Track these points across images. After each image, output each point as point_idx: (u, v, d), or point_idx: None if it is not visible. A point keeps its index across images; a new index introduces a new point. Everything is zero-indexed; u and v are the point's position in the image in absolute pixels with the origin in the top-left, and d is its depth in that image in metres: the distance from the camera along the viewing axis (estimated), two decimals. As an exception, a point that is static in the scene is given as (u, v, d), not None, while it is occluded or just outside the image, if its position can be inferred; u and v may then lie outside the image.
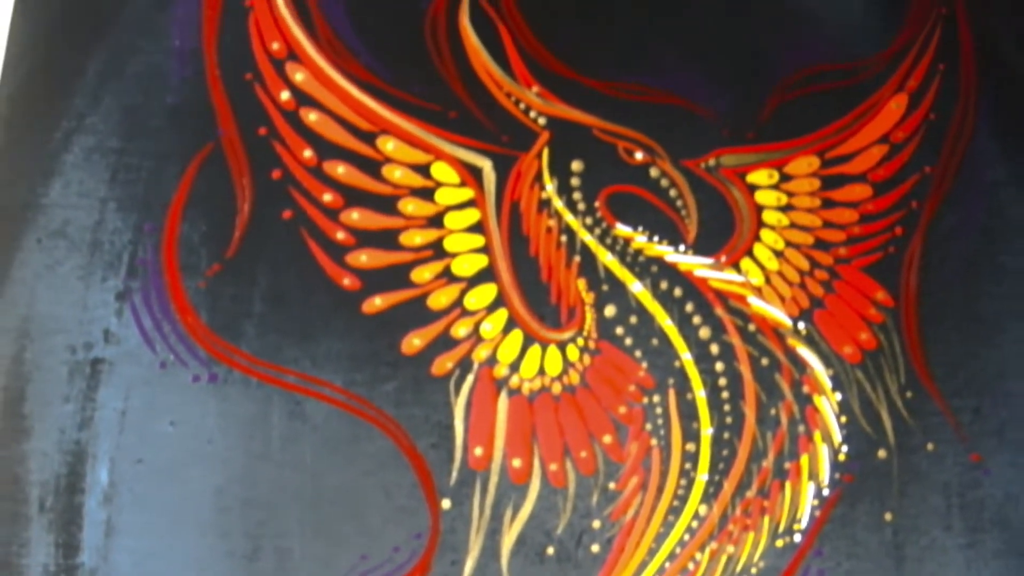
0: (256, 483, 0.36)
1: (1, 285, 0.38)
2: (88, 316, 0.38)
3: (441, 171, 0.41)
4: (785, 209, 0.42)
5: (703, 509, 0.38)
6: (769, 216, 0.42)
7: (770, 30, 0.45)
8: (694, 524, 0.38)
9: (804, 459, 0.39)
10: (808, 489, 0.39)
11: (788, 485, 0.38)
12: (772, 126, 0.44)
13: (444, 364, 0.38)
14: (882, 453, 0.39)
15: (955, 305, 0.42)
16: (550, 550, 0.37)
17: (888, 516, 0.39)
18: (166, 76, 0.41)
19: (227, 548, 0.36)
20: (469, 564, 0.36)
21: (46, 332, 0.37)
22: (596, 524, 0.37)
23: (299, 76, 0.42)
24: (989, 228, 0.44)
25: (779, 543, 0.38)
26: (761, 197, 0.42)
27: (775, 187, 0.43)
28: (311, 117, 0.41)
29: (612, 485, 0.38)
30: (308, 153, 0.41)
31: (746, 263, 0.41)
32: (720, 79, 0.44)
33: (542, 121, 0.42)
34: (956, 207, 0.44)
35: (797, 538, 0.38)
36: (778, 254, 0.42)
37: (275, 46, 0.42)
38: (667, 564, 0.37)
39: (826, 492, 0.39)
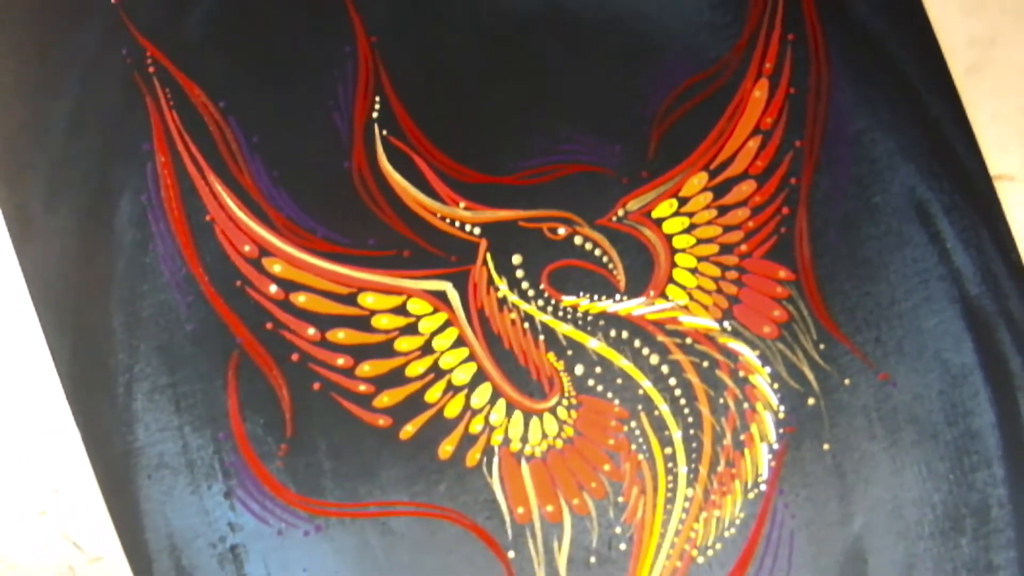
0: (377, 586, 0.48)
1: (142, 519, 0.48)
2: (212, 518, 0.48)
3: (416, 305, 0.48)
4: (690, 230, 0.49)
5: (689, 492, 0.49)
6: (679, 241, 0.49)
7: (632, 70, 0.48)
8: (686, 505, 0.49)
9: (754, 428, 0.49)
10: (762, 449, 0.49)
11: (747, 452, 0.49)
12: (661, 158, 0.49)
13: (474, 456, 0.48)
14: (811, 401, 0.49)
15: (844, 258, 0.49)
16: (592, 559, 0.48)
17: (826, 447, 0.49)
18: (176, 308, 0.48)
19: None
20: (540, 588, 0.48)
21: (189, 540, 0.48)
22: (618, 530, 0.48)
23: (277, 268, 0.48)
24: (859, 176, 0.49)
25: (751, 495, 0.49)
26: (668, 227, 0.49)
27: (676, 214, 0.49)
28: (300, 299, 0.48)
29: (620, 499, 0.48)
30: (312, 331, 0.48)
31: (671, 289, 0.49)
32: (607, 134, 0.49)
33: (477, 231, 0.48)
34: (828, 169, 0.49)
35: (763, 487, 0.49)
36: (693, 271, 0.49)
37: (246, 248, 0.48)
38: (675, 539, 0.49)
39: (776, 447, 0.49)
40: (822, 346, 0.48)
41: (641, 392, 0.48)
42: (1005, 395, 0.49)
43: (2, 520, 0.72)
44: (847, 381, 0.48)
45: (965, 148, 0.49)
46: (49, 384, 0.48)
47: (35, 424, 0.51)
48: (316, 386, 0.47)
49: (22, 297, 0.47)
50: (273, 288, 0.47)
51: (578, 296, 0.48)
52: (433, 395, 0.47)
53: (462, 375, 0.48)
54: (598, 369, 0.48)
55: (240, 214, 0.47)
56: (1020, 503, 0.49)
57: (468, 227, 0.48)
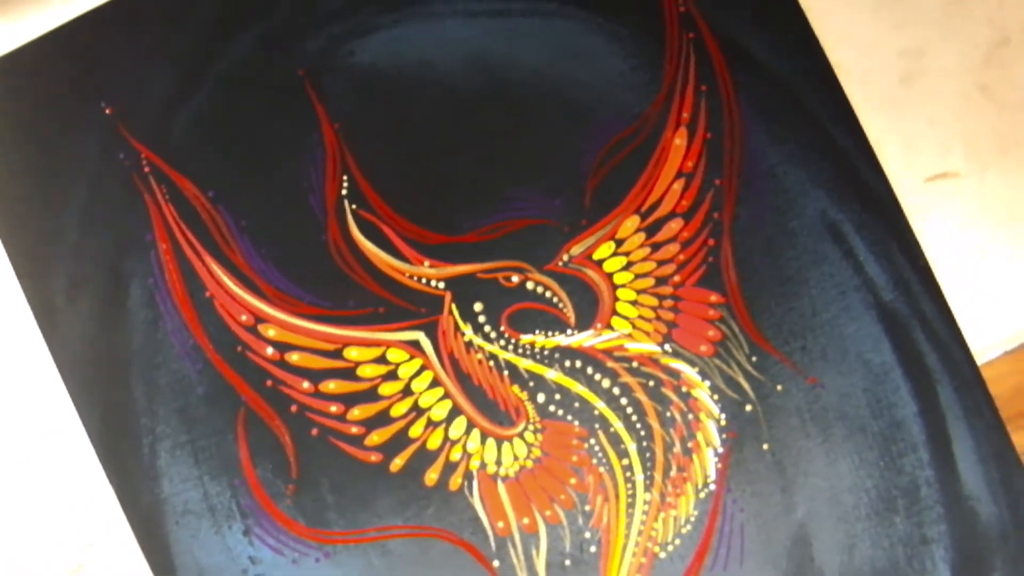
0: (382, 601, 0.54)
1: (174, 560, 0.54)
2: (235, 554, 0.54)
3: (394, 354, 0.55)
4: (627, 267, 0.55)
5: (647, 496, 0.55)
6: (619, 278, 0.55)
7: (567, 132, 0.54)
8: (646, 508, 0.55)
9: (700, 436, 0.55)
10: (708, 454, 0.55)
11: (695, 457, 0.54)
12: (597, 207, 0.55)
13: (456, 481, 0.54)
14: (749, 408, 0.55)
15: (768, 279, 0.55)
16: (567, 562, 0.55)
17: (766, 447, 0.54)
18: (187, 375, 0.55)
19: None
20: (524, 592, 0.54)
21: (216, 575, 0.54)
22: (587, 535, 0.54)
23: (271, 332, 0.55)
24: (776, 205, 0.55)
25: (702, 495, 0.55)
26: (608, 266, 0.55)
27: (615, 254, 0.55)
28: (294, 358, 0.55)
29: (587, 507, 0.55)
30: (306, 384, 0.55)
31: (615, 321, 0.55)
32: (548, 190, 0.55)
33: (441, 285, 0.55)
34: (747, 202, 0.55)
35: (712, 487, 0.55)
36: (634, 303, 0.55)
37: (243, 318, 0.55)
38: (639, 538, 0.55)
39: (720, 450, 0.55)
40: (754, 358, 0.54)
41: (597, 413, 0.54)
42: (924, 387, 0.54)
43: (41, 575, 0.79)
44: (779, 387, 0.54)
45: (870, 172, 0.55)
46: (81, 450, 0.55)
47: (69, 485, 0.58)
48: (314, 432, 0.54)
49: (53, 378, 0.54)
50: (269, 350, 0.54)
51: (534, 334, 0.54)
52: (416, 431, 0.54)
53: (439, 411, 0.54)
54: (557, 396, 0.54)
55: (235, 288, 0.54)
56: (946, 482, 0.55)
57: (433, 282, 0.54)
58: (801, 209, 0.54)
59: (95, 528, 0.56)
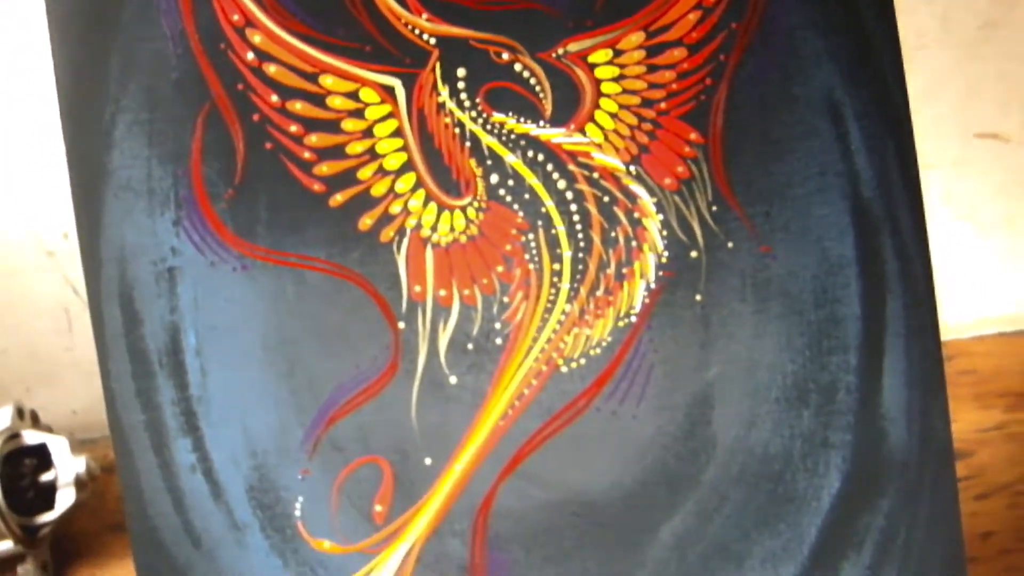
0: (284, 328, 0.53)
1: (102, 231, 0.54)
2: (158, 240, 0.54)
3: (366, 94, 0.53)
4: (618, 79, 0.53)
5: (567, 308, 0.53)
6: (606, 87, 0.53)
7: (600, -71, 0.52)
8: (562, 318, 0.53)
9: (637, 265, 0.53)
10: (640, 285, 0.53)
11: (626, 284, 0.53)
12: (606, 12, 0.53)
13: (388, 233, 0.53)
14: (694, 254, 0.53)
15: (753, 134, 0.53)
16: (470, 346, 0.53)
17: (698, 297, 0.52)
18: (167, 57, 0.54)
19: (273, 370, 0.53)
20: (421, 360, 0.53)
21: (135, 255, 0.54)
22: (498, 326, 0.53)
23: (257, 38, 0.54)
24: (785, 66, 0.53)
25: (621, 323, 0.53)
26: (600, 73, 0.53)
27: (610, 63, 0.53)
28: (271, 69, 0.54)
29: (506, 299, 0.53)
30: (275, 98, 0.53)
31: (589, 127, 0.53)
32: (563, -20, 0.53)
33: (432, 41, 0.53)
34: (757, 54, 0.53)
35: (633, 319, 0.53)
36: (613, 116, 0.53)
37: (235, 17, 0.54)
38: (546, 346, 0.53)
39: (653, 286, 0.53)
40: (715, 208, 0.52)
41: (544, 211, 0.52)
42: (875, 293, 0.52)
43: (11, 255, 0.80)
44: (730, 244, 0.52)
45: (891, 65, 0.52)
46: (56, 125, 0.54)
47: (52, 168, 0.58)
48: (268, 146, 0.52)
49: (42, 27, 0.54)
50: (250, 55, 0.53)
51: (507, 115, 0.52)
52: (365, 174, 0.53)
53: (393, 162, 0.52)
54: (510, 182, 0.52)
55: (236, -14, 0.53)
56: (866, 393, 0.52)
57: (426, 36, 0.52)
58: (809, 78, 0.52)
59: (72, 217, 0.55)
